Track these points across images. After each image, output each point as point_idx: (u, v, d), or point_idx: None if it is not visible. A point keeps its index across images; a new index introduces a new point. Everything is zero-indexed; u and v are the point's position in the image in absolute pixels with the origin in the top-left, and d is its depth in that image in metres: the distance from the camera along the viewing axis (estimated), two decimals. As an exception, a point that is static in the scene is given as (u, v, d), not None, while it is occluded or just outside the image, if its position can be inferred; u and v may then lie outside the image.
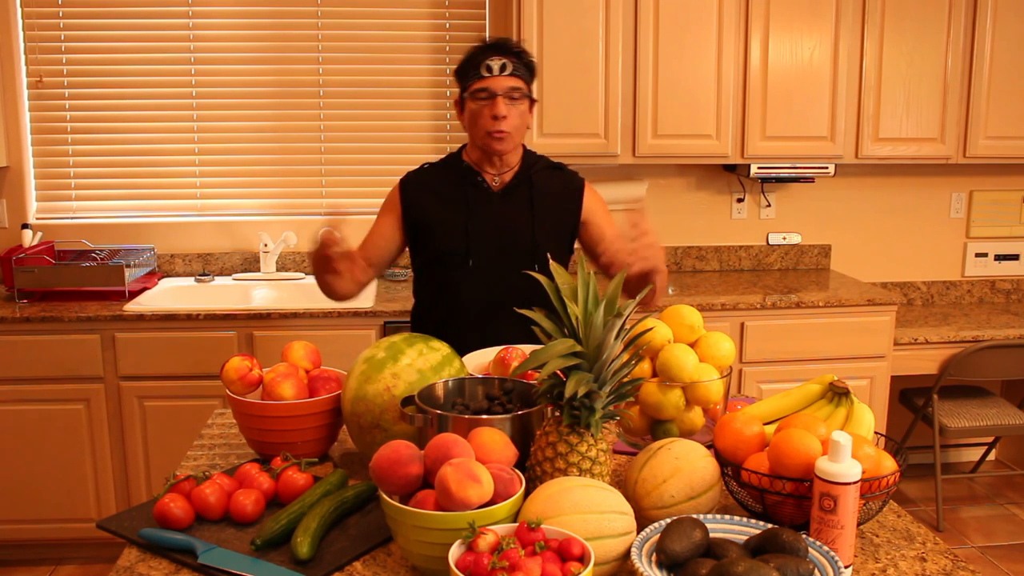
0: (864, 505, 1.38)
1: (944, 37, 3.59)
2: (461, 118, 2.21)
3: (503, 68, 2.10)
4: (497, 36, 2.16)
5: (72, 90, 3.59)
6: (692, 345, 1.69)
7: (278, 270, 3.69)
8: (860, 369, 3.46)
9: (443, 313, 2.25)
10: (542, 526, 1.22)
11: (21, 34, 3.53)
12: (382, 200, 2.32)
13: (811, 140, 3.59)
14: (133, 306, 3.17)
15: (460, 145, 2.32)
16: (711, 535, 1.29)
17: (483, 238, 2.20)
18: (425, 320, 2.31)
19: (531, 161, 2.27)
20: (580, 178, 2.32)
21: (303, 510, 1.43)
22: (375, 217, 2.31)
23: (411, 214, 2.24)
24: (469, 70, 2.14)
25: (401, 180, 2.28)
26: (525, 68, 2.16)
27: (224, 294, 3.52)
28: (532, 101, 2.20)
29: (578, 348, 1.36)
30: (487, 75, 2.10)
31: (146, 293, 3.35)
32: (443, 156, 2.33)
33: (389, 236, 2.26)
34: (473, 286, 2.21)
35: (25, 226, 3.52)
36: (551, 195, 2.25)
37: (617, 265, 2.29)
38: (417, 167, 2.31)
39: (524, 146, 2.28)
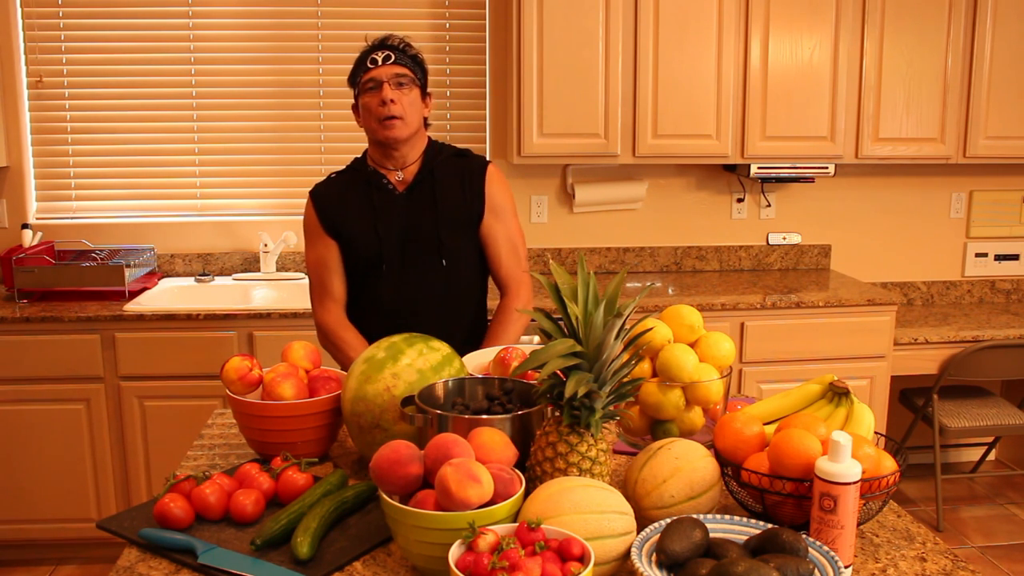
0: (864, 505, 1.38)
1: (944, 37, 3.59)
2: (358, 120, 2.25)
3: (387, 59, 2.17)
4: (384, 35, 2.26)
5: (72, 90, 3.59)
6: (692, 345, 1.68)
7: (278, 270, 3.69)
8: (860, 369, 3.46)
9: (363, 315, 2.26)
10: (542, 526, 1.22)
11: (21, 34, 3.53)
12: None
13: (811, 140, 3.59)
14: (133, 306, 3.17)
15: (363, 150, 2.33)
16: (711, 535, 1.29)
17: (393, 240, 2.22)
18: (347, 309, 2.31)
19: (434, 152, 2.28)
20: (483, 161, 2.31)
21: (303, 510, 1.43)
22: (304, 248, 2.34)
23: (329, 225, 2.25)
24: (357, 69, 2.21)
25: (311, 197, 2.29)
26: (410, 60, 2.20)
27: (224, 294, 3.52)
28: (426, 93, 2.24)
29: (578, 348, 1.36)
30: (372, 66, 2.17)
31: (146, 293, 3.35)
32: (348, 163, 2.34)
33: (335, 256, 2.27)
34: (389, 288, 2.23)
35: (25, 226, 3.52)
36: (454, 186, 2.25)
37: (504, 293, 2.31)
38: (323, 179, 2.33)
39: (430, 139, 2.30)
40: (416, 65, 2.22)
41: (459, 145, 2.37)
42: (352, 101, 2.26)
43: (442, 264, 2.23)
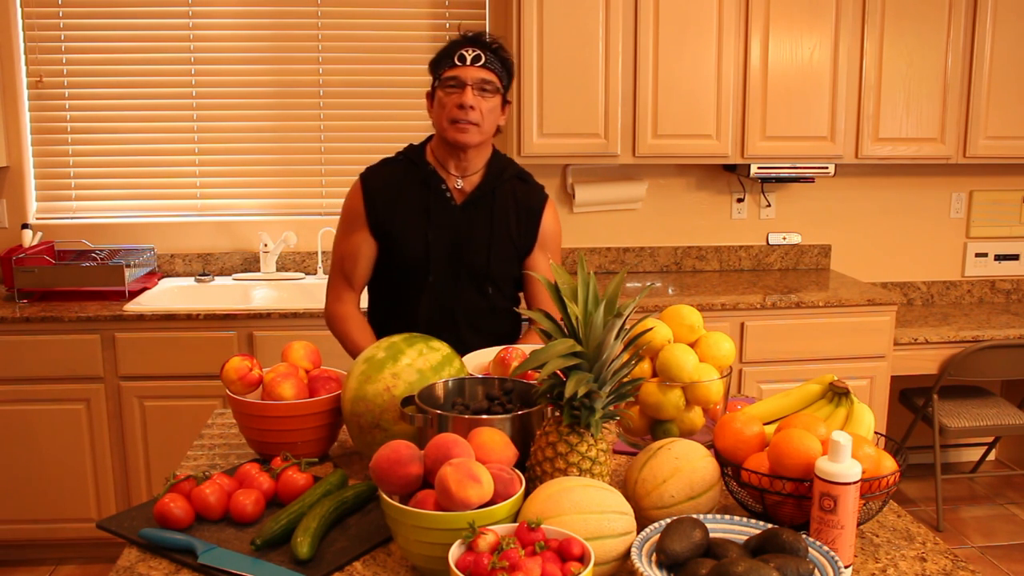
0: (864, 505, 1.38)
1: (944, 37, 3.59)
2: (430, 110, 2.14)
3: (476, 59, 2.04)
4: (480, 31, 2.15)
5: (72, 90, 3.59)
6: (692, 345, 1.68)
7: (278, 270, 3.69)
8: (860, 369, 3.46)
9: (396, 320, 2.20)
10: (542, 526, 1.22)
11: (21, 34, 3.53)
12: None
13: (811, 140, 3.59)
14: (133, 306, 3.17)
15: (426, 136, 2.25)
16: (711, 535, 1.29)
17: (441, 252, 2.15)
18: (380, 323, 2.27)
19: (498, 169, 2.19)
20: (543, 196, 2.24)
21: (303, 510, 1.43)
22: (339, 226, 2.25)
23: (375, 220, 2.17)
24: (443, 60, 2.10)
25: (362, 181, 2.19)
26: (500, 64, 2.09)
27: (224, 294, 3.52)
28: (506, 101, 2.14)
29: (578, 348, 1.36)
30: (459, 64, 2.05)
31: (146, 293, 3.35)
32: (403, 149, 2.24)
33: (367, 252, 2.20)
34: (430, 298, 2.18)
35: (25, 226, 3.52)
36: (510, 212, 2.18)
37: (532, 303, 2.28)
38: (376, 163, 2.22)
39: (494, 148, 2.22)
40: (504, 70, 2.10)
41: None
42: (428, 88, 2.16)
43: (486, 286, 2.18)
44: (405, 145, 2.26)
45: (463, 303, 2.19)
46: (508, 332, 2.27)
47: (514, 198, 2.19)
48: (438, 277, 2.17)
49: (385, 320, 2.25)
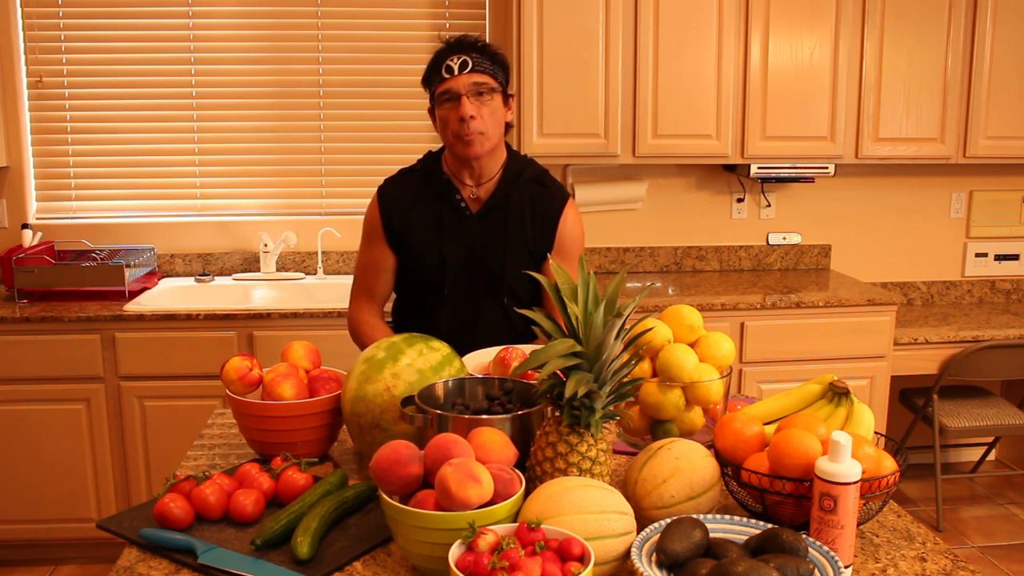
0: (864, 505, 1.38)
1: (944, 37, 3.59)
2: (435, 127, 2.11)
3: (463, 66, 1.99)
4: (460, 35, 2.09)
5: (72, 90, 3.59)
6: (692, 345, 1.68)
7: (278, 270, 3.69)
8: (860, 369, 3.46)
9: (419, 330, 2.13)
10: (542, 526, 1.22)
11: (21, 34, 3.53)
12: None
13: (811, 140, 3.59)
14: (133, 306, 3.17)
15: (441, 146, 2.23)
16: (711, 535, 1.29)
17: (457, 264, 2.14)
18: (403, 325, 2.27)
19: (514, 173, 2.14)
20: (562, 197, 2.18)
21: (303, 510, 1.43)
22: (361, 242, 2.25)
23: (392, 232, 2.17)
24: (432, 75, 2.05)
25: (379, 195, 2.19)
26: (490, 61, 2.03)
27: (224, 294, 3.52)
28: (507, 96, 2.09)
29: (578, 348, 1.36)
30: (447, 76, 2.00)
31: (146, 293, 3.35)
32: (421, 158, 2.23)
33: (387, 265, 2.20)
34: (449, 308, 2.18)
35: (25, 226, 3.52)
36: (526, 217, 2.14)
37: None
38: (394, 174, 2.22)
39: (511, 149, 2.19)
40: (497, 67, 2.04)
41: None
42: (428, 104, 2.13)
43: (501, 296, 2.17)
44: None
45: (482, 313, 2.18)
46: (529, 340, 2.26)
47: (530, 203, 2.15)
48: (455, 288, 2.16)
49: (408, 329, 2.22)
